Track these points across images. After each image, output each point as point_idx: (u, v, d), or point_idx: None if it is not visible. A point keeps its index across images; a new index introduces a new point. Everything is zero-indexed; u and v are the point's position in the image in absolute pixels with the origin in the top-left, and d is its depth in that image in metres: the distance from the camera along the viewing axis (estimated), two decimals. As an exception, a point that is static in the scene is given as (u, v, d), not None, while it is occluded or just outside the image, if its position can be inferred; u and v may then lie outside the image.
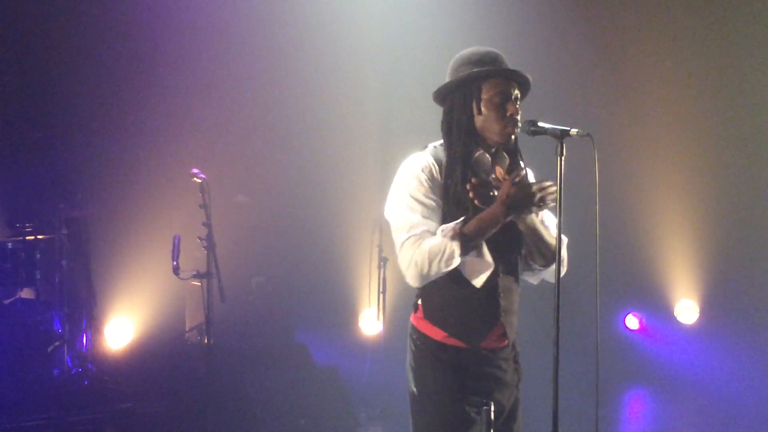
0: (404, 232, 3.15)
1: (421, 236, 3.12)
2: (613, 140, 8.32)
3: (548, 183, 3.10)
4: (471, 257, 3.14)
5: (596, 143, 3.03)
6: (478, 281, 3.19)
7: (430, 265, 3.08)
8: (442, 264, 3.07)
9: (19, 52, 7.72)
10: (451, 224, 3.10)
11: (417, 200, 3.18)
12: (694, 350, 8.69)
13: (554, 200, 3.05)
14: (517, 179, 3.08)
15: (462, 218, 3.12)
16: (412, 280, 3.17)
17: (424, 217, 3.15)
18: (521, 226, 3.22)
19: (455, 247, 3.06)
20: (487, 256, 3.16)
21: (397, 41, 8.61)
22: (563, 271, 3.24)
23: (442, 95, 3.31)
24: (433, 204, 3.18)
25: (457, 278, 3.20)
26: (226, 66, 8.26)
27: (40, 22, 7.73)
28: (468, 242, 3.08)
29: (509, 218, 3.10)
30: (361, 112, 8.66)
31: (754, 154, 8.71)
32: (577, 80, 8.70)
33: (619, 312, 9.05)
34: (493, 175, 3.14)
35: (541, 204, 3.09)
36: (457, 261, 3.08)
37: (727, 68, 8.72)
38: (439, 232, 3.11)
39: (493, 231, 3.11)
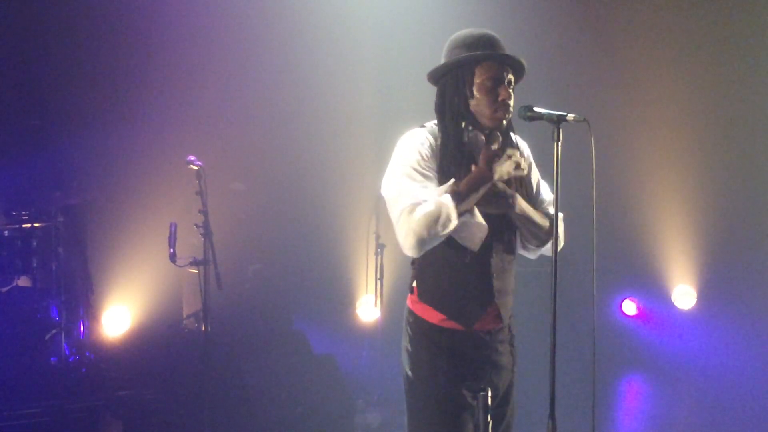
0: (400, 204, 3.11)
1: (417, 204, 3.07)
2: (610, 125, 8.31)
3: (520, 151, 3.17)
4: (465, 220, 3.12)
5: (593, 128, 3.02)
6: (475, 245, 3.17)
7: (428, 231, 3.04)
8: (440, 227, 3.03)
9: (15, 40, 7.69)
10: (443, 187, 3.09)
11: (416, 171, 3.16)
12: (691, 336, 8.71)
13: (526, 167, 3.16)
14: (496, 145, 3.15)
15: (452, 180, 3.11)
16: (411, 250, 3.11)
17: (422, 186, 3.13)
18: (512, 214, 3.24)
19: (451, 208, 3.04)
20: (480, 218, 3.15)
21: (393, 24, 8.59)
22: (560, 245, 3.26)
23: (436, 76, 3.31)
24: (431, 176, 3.18)
25: (451, 258, 3.22)
26: (221, 53, 8.23)
27: (37, 11, 7.71)
28: (462, 202, 3.07)
29: (496, 177, 3.12)
30: (357, 99, 8.63)
31: (752, 140, 8.71)
32: (574, 65, 8.68)
33: (617, 297, 9.06)
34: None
35: (516, 167, 3.14)
36: (455, 222, 3.05)
37: (724, 54, 8.72)
38: (431, 197, 3.08)
39: (483, 191, 3.11)
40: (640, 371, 8.43)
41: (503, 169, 3.12)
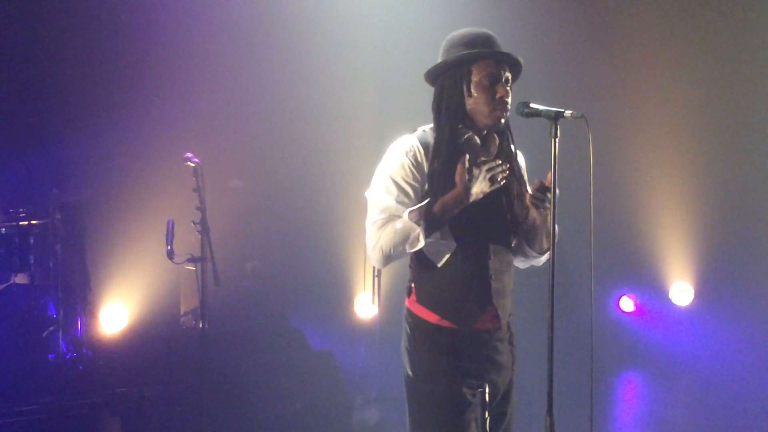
0: (374, 214, 3.22)
1: (388, 220, 3.17)
2: (607, 122, 8.31)
3: (497, 161, 3.10)
4: (434, 239, 3.19)
5: (590, 125, 3.02)
6: (440, 262, 3.24)
7: (394, 249, 3.16)
8: (407, 247, 3.15)
9: (12, 37, 7.67)
10: (416, 207, 3.13)
11: (395, 183, 3.21)
12: (688, 332, 8.72)
13: (504, 177, 3.09)
14: (467, 164, 3.08)
15: (426, 201, 3.14)
16: (376, 263, 3.25)
17: (397, 201, 3.19)
18: (538, 220, 3.24)
19: (420, 231, 3.11)
20: (450, 238, 3.21)
21: (391, 23, 8.57)
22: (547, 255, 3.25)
23: (434, 76, 3.31)
24: (410, 190, 3.20)
25: (448, 262, 3.22)
26: (219, 51, 8.21)
27: (33, 7, 7.70)
28: (433, 225, 3.13)
29: (472, 199, 3.10)
30: (355, 96, 8.62)
31: (750, 137, 8.71)
32: (572, 61, 8.67)
33: (614, 294, 9.07)
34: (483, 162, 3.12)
35: (492, 182, 3.08)
36: (422, 244, 3.14)
37: (723, 50, 8.71)
38: (405, 215, 3.13)
39: (457, 212, 3.13)
40: (637, 368, 8.43)
41: (479, 187, 3.10)
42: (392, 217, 3.17)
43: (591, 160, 3.10)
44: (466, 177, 3.07)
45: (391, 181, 3.21)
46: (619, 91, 8.79)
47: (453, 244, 3.22)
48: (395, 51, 8.50)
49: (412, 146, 3.24)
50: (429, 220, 3.12)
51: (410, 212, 3.12)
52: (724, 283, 8.66)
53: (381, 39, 8.63)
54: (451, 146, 3.20)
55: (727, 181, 8.69)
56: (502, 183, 3.12)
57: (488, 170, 3.09)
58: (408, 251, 3.17)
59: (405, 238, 3.13)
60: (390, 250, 3.16)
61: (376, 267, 3.26)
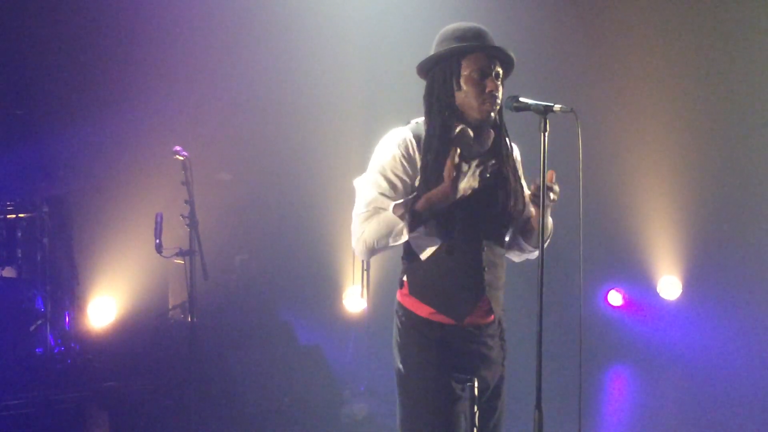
0: (359, 206, 3.22)
1: (373, 213, 3.16)
2: (596, 116, 8.32)
3: (489, 157, 3.11)
4: (419, 233, 3.18)
5: (580, 119, 3.01)
6: (424, 255, 3.23)
7: (378, 242, 3.15)
8: (390, 240, 3.14)
9: (0, 30, 7.63)
10: (401, 201, 3.11)
11: (384, 177, 3.19)
12: (676, 326, 8.75)
13: (491, 173, 3.08)
14: (457, 159, 3.04)
15: (413, 195, 3.13)
16: (360, 254, 3.25)
17: (384, 195, 3.17)
18: (535, 215, 3.23)
19: (404, 225, 3.10)
20: (435, 233, 3.20)
21: (381, 17, 8.56)
22: (546, 243, 3.24)
23: (425, 69, 3.29)
24: (399, 183, 3.19)
25: (441, 253, 3.21)
26: (208, 44, 8.18)
27: (23, 1, 7.66)
28: (418, 220, 3.11)
29: (459, 195, 3.07)
30: (344, 90, 8.61)
31: (738, 132, 8.74)
32: (561, 56, 8.67)
33: (602, 288, 9.09)
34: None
35: (481, 177, 3.07)
36: (405, 238, 3.13)
37: (712, 46, 8.73)
38: (390, 208, 3.11)
39: (443, 208, 3.10)
40: (625, 361, 8.46)
41: (467, 183, 3.08)
42: (377, 210, 3.15)
43: (580, 155, 3.10)
44: (454, 173, 3.05)
45: (379, 175, 3.20)
46: (608, 86, 8.81)
47: (437, 241, 3.20)
48: (384, 44, 8.48)
49: (405, 139, 3.22)
50: (414, 215, 3.10)
51: (395, 206, 3.10)
52: (712, 277, 8.69)
53: (370, 32, 8.60)
54: (443, 140, 3.18)
55: (715, 176, 8.72)
56: (487, 178, 3.10)
57: (478, 165, 3.08)
58: (391, 245, 3.15)
59: (389, 232, 3.11)
60: (373, 242, 3.15)
61: (360, 258, 3.23)
